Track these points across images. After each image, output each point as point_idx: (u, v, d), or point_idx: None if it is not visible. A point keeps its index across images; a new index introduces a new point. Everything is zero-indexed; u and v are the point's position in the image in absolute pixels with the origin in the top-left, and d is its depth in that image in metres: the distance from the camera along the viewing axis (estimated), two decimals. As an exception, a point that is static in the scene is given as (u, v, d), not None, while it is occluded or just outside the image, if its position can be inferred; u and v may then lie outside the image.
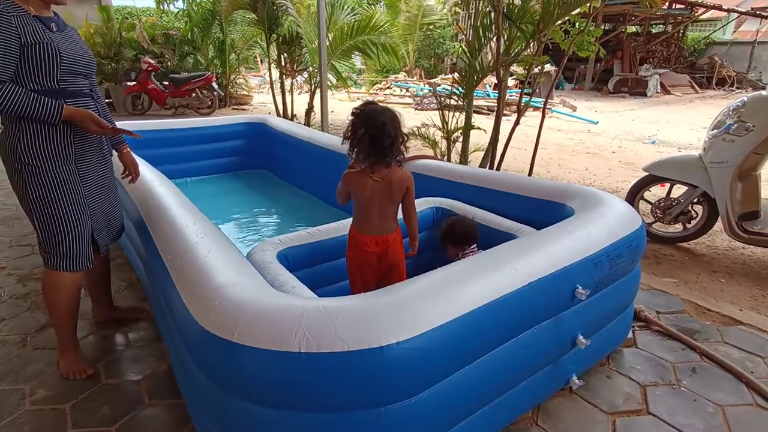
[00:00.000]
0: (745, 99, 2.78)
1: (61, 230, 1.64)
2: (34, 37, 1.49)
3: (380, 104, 1.63)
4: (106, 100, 8.26)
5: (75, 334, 1.85)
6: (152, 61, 7.97)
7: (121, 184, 2.26)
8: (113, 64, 8.24)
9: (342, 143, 1.67)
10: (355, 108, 1.62)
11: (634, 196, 3.26)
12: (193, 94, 8.17)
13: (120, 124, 1.80)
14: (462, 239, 1.94)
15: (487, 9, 3.42)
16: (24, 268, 2.69)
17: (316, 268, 1.86)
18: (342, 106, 10.12)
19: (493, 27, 3.32)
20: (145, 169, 2.40)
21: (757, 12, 14.08)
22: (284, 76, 7.30)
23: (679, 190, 3.16)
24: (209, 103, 8.33)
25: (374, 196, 1.65)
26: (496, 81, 3.76)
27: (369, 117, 1.56)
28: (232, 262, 1.38)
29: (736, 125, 2.73)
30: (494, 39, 3.35)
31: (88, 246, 1.74)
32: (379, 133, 1.54)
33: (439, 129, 3.96)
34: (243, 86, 10.40)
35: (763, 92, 2.74)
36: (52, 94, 1.56)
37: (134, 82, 7.95)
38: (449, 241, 1.97)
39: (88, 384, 1.76)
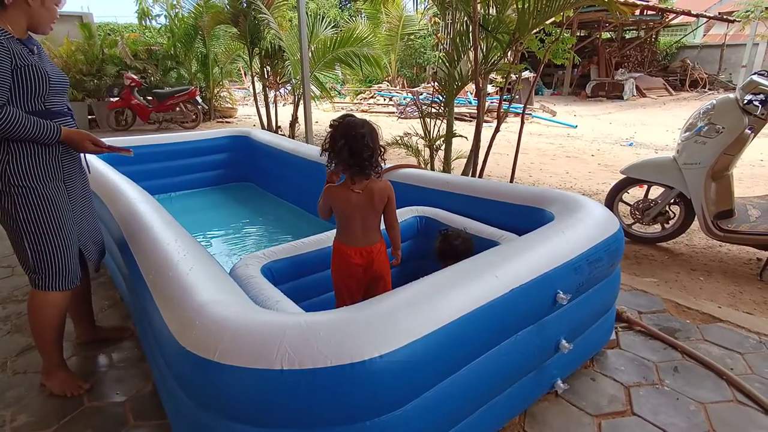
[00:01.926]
0: (715, 102, 2.87)
1: (53, 250, 1.65)
2: (23, 60, 1.51)
3: (358, 117, 1.65)
4: (89, 116, 8.19)
5: (62, 354, 1.84)
6: (135, 77, 7.94)
7: (103, 203, 2.24)
8: (96, 81, 8.18)
9: (320, 155, 1.68)
10: (334, 120, 1.63)
11: (613, 198, 3.34)
12: (177, 109, 8.14)
13: (105, 140, 1.80)
14: (465, 254, 1.83)
15: (464, 20, 3.50)
16: (3, 290, 2.63)
17: (301, 280, 1.85)
18: (326, 117, 10.14)
19: (471, 37, 3.39)
20: (127, 186, 2.38)
21: (724, 17, 14.64)
22: (268, 89, 7.31)
23: (656, 192, 3.25)
24: (193, 117, 8.30)
25: (357, 208, 1.66)
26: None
27: (348, 129, 1.57)
28: (214, 279, 1.37)
29: (706, 127, 2.82)
30: (472, 49, 3.41)
31: (77, 263, 1.75)
32: (358, 145, 1.55)
33: (422, 138, 4.00)
34: (227, 99, 10.38)
35: (731, 95, 2.84)
36: (40, 115, 1.57)
37: (117, 98, 7.90)
38: (452, 259, 1.82)
39: (71, 407, 1.73)
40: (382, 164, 1.67)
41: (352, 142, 1.55)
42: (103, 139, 1.77)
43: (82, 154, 1.81)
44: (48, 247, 1.64)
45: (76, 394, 1.78)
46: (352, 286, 1.77)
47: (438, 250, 1.94)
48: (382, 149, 1.64)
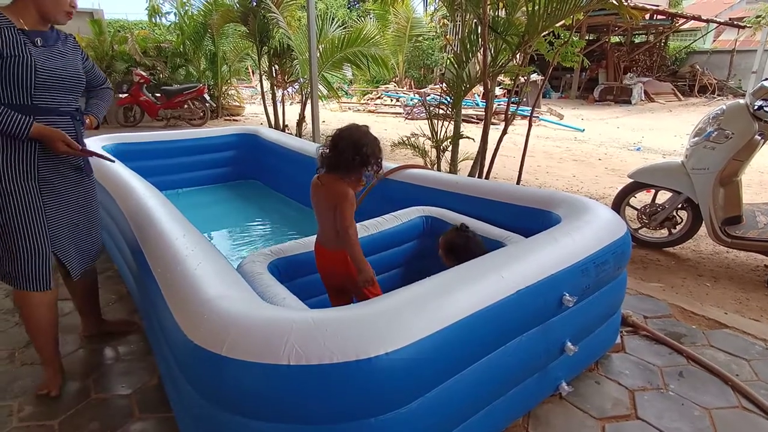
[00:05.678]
0: (725, 107, 2.86)
1: (18, 250, 1.58)
2: (12, 50, 1.47)
3: (360, 127, 1.70)
4: (97, 112, 8.25)
5: (55, 351, 1.80)
6: (144, 74, 8.00)
7: (111, 198, 2.26)
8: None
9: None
10: None
11: (620, 202, 3.32)
12: (185, 106, 8.19)
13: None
14: (473, 255, 1.76)
15: (474, 22, 3.49)
16: (11, 283, 2.66)
17: (307, 278, 1.86)
18: (333, 117, 10.18)
19: (480, 39, 3.39)
20: (136, 181, 2.40)
21: (735, 22, 14.54)
22: (276, 87, 7.34)
23: (663, 196, 3.23)
24: (201, 114, 8.34)
25: (316, 201, 1.71)
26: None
27: (339, 130, 1.69)
28: (222, 275, 1.38)
29: (716, 133, 2.80)
30: (481, 50, 3.41)
31: (47, 267, 1.67)
32: (333, 142, 1.65)
33: (429, 138, 4.00)
34: (235, 97, 10.44)
35: (741, 100, 2.82)
36: (24, 109, 1.53)
37: (126, 94, 7.96)
38: (458, 255, 1.79)
39: (77, 399, 1.74)
40: (358, 178, 1.66)
41: (335, 139, 1.65)
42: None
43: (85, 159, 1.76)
44: (13, 248, 1.58)
45: (45, 392, 1.74)
46: (326, 282, 1.80)
47: (451, 253, 1.85)
48: (369, 161, 1.63)
